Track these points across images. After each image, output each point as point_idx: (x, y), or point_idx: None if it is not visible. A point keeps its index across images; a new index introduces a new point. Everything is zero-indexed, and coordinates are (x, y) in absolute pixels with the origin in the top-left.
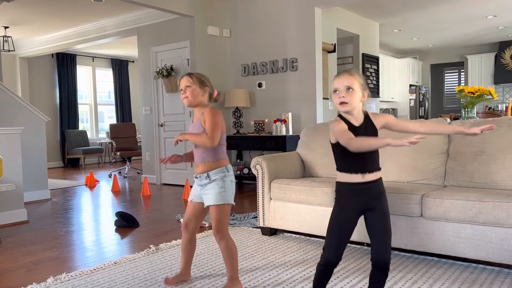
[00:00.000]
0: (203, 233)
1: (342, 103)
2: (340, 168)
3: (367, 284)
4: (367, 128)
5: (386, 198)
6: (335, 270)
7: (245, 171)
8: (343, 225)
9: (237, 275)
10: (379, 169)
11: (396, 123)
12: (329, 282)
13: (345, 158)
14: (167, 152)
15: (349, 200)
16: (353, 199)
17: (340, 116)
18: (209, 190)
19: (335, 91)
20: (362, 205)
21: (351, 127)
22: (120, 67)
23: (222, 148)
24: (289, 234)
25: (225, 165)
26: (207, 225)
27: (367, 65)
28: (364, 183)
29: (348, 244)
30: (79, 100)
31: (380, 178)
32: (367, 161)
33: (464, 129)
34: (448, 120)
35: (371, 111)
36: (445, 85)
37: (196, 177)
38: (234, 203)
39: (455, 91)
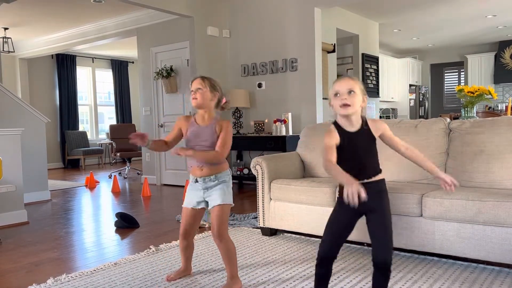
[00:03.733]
0: (203, 233)
1: (344, 105)
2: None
3: (368, 284)
4: (364, 134)
5: (387, 199)
6: (335, 270)
7: (245, 171)
8: (338, 223)
9: (237, 273)
10: (377, 173)
11: (389, 138)
12: (330, 282)
13: (344, 161)
14: (167, 153)
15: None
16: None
17: (335, 123)
18: (218, 191)
19: (336, 94)
20: (358, 207)
21: (345, 134)
22: (120, 68)
23: None
24: (289, 234)
25: (228, 168)
26: (207, 225)
27: (367, 65)
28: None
29: (348, 244)
30: (79, 101)
31: (381, 180)
32: (365, 166)
33: (439, 174)
34: (448, 120)
35: (370, 118)
36: (445, 84)
37: (197, 181)
38: (233, 204)
39: (455, 90)
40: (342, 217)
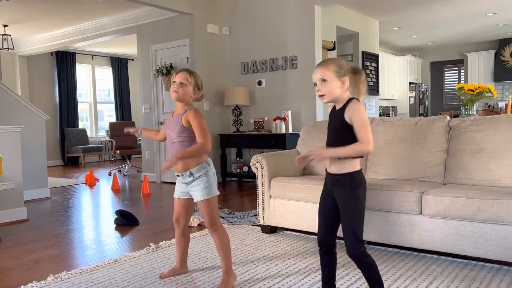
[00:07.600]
0: (202, 231)
1: (319, 96)
2: None
3: (366, 283)
4: (338, 114)
5: (347, 195)
6: None
7: (245, 169)
8: (322, 204)
9: (231, 267)
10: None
11: (355, 128)
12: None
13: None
14: (167, 150)
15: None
16: (324, 185)
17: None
18: (196, 187)
19: (314, 84)
20: (328, 191)
21: (330, 113)
22: (119, 65)
23: None
24: (289, 232)
25: (205, 160)
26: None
27: (367, 63)
28: (328, 173)
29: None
30: (79, 99)
31: (346, 174)
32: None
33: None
34: (448, 118)
35: (356, 101)
36: (445, 82)
37: (178, 175)
38: (219, 193)
39: (455, 88)
40: (323, 197)
